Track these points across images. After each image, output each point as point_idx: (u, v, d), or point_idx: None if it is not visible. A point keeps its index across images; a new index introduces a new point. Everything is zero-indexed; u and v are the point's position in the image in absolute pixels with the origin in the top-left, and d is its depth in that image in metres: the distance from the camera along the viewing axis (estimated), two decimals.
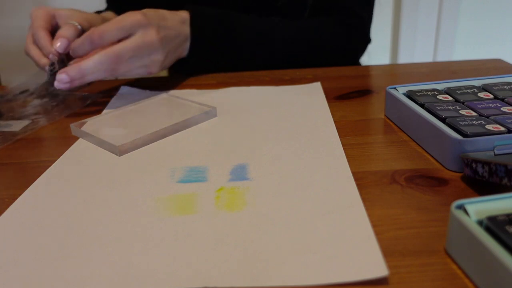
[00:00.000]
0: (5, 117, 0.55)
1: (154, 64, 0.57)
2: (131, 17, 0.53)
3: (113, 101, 0.58)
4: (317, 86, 0.60)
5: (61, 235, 0.31)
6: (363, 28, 0.75)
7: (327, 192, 0.34)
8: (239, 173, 0.38)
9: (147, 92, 0.61)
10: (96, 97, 0.60)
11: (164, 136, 0.46)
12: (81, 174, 0.40)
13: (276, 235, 0.30)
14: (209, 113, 0.50)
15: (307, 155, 0.40)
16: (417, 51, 1.75)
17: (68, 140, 0.48)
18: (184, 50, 0.62)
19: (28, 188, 0.38)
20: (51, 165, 0.42)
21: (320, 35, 0.71)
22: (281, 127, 0.47)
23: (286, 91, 0.59)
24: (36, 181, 0.39)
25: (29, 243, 0.30)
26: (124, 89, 0.62)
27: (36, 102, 0.59)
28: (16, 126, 0.52)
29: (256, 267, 0.27)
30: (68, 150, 0.45)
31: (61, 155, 0.44)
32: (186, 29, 0.61)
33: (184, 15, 0.61)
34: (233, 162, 0.40)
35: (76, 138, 0.48)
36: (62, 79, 0.51)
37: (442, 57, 1.78)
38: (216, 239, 0.29)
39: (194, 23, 0.62)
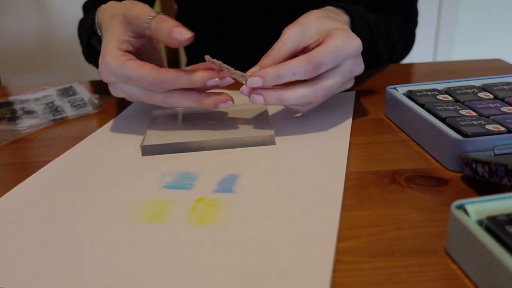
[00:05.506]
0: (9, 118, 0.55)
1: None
2: (350, 46, 0.42)
3: (131, 107, 0.56)
4: (350, 96, 0.54)
5: (38, 236, 0.31)
6: (417, 17, 0.77)
7: (306, 217, 0.31)
8: (226, 185, 0.36)
9: None
10: (105, 99, 0.59)
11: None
12: (72, 174, 0.40)
13: (232, 260, 0.27)
14: (266, 141, 0.43)
15: (304, 172, 0.37)
16: (417, 50, 1.75)
17: (68, 140, 0.47)
18: None
19: (15, 187, 0.38)
20: None
21: (404, 31, 0.72)
22: (286, 139, 0.44)
23: None
24: (25, 180, 0.39)
25: (14, 241, 0.31)
26: None
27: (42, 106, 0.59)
28: (19, 125, 0.52)
29: None
30: (68, 150, 0.45)
31: (61, 155, 0.44)
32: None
33: (346, 18, 0.52)
34: (226, 171, 0.38)
35: (78, 139, 0.48)
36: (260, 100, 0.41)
37: (443, 52, 1.77)
38: (167, 254, 0.28)
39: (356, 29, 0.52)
